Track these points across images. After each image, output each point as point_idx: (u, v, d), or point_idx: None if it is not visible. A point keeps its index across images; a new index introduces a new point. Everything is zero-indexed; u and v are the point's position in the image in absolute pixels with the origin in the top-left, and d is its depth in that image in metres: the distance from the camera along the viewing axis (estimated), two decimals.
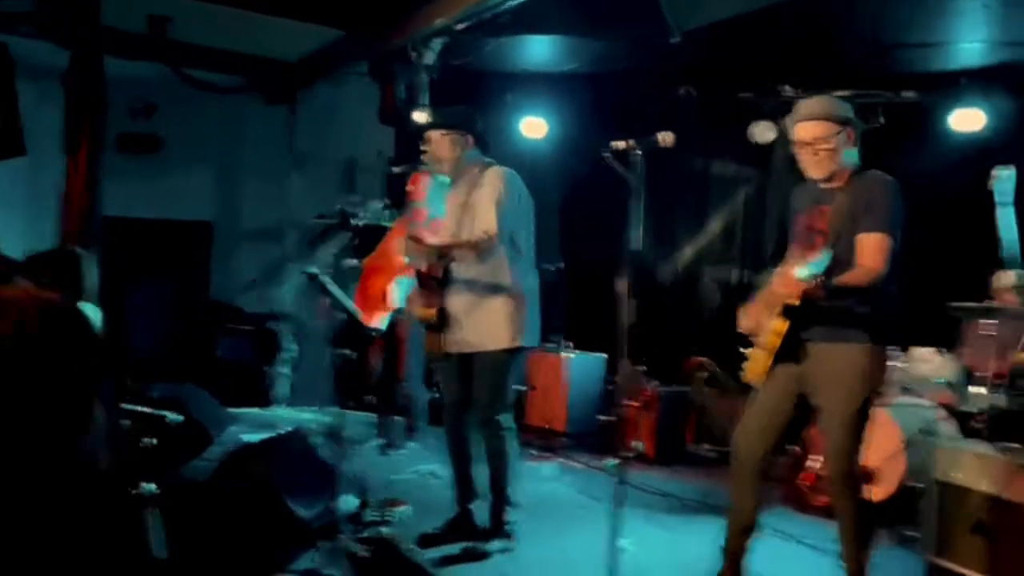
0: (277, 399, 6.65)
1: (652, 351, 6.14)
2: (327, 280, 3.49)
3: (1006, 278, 4.48)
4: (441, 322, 3.52)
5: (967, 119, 6.06)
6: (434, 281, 3.52)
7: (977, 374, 4.36)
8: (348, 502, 3.74)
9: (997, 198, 3.90)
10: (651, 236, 7.14)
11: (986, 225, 3.96)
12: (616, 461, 4.00)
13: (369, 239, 5.70)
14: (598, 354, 6.24)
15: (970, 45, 5.53)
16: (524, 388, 6.14)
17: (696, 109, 6.63)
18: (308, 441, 3.95)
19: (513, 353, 3.51)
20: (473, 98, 6.12)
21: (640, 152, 2.76)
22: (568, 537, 3.87)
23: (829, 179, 2.98)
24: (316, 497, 3.48)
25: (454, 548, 3.52)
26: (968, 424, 4.49)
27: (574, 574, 3.29)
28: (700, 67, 6.30)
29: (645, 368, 5.86)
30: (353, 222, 6.06)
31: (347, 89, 6.99)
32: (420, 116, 5.89)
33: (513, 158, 6.60)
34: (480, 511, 3.66)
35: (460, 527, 3.64)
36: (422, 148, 3.66)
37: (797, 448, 4.75)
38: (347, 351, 4.04)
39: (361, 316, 3.78)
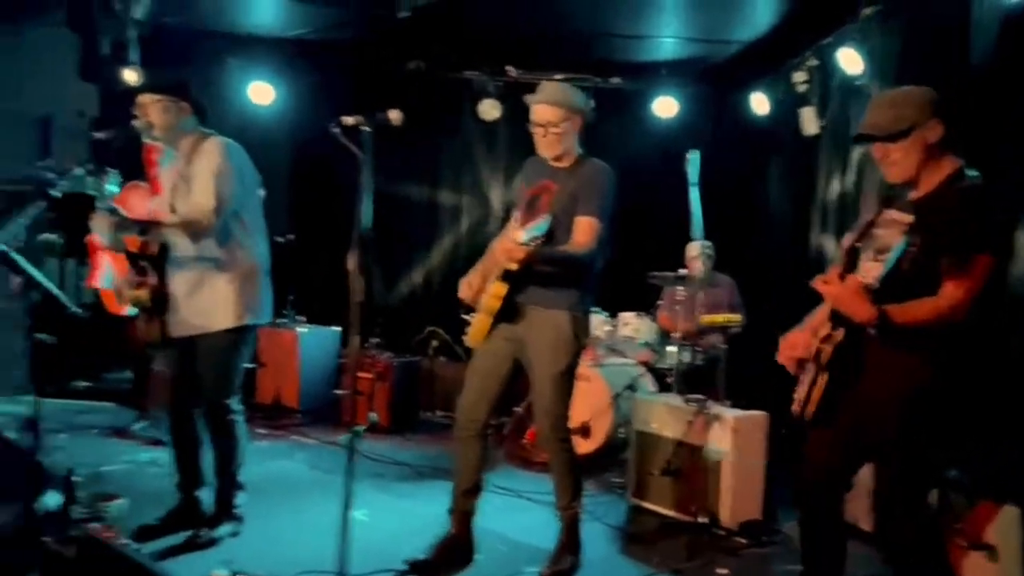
0: None
1: (387, 323, 6.23)
2: (17, 257, 3.08)
3: (693, 249, 5.11)
4: (155, 304, 3.28)
5: (665, 106, 6.80)
6: (147, 260, 3.26)
7: (672, 335, 4.94)
8: (51, 499, 3.39)
9: (690, 179, 4.40)
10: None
11: (683, 202, 4.43)
12: (350, 434, 3.97)
13: (69, 210, 5.10)
14: (332, 328, 6.16)
15: (668, 40, 6.15)
16: (253, 366, 5.93)
17: (425, 84, 6.75)
18: None
19: (241, 332, 3.35)
20: (190, 59, 5.73)
21: (369, 128, 2.74)
22: (301, 513, 3.84)
23: (558, 159, 3.22)
24: (10, 497, 3.10)
25: (177, 538, 3.34)
26: (664, 379, 5.09)
27: (306, 549, 3.26)
28: (429, 43, 6.40)
29: (379, 340, 5.90)
30: (51, 191, 5.37)
31: (38, 37, 6.18)
32: (131, 76, 5.40)
33: (240, 123, 6.34)
34: (207, 498, 3.50)
35: (184, 516, 3.45)
36: (133, 112, 3.37)
37: (519, 408, 5.07)
38: (44, 335, 3.61)
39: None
